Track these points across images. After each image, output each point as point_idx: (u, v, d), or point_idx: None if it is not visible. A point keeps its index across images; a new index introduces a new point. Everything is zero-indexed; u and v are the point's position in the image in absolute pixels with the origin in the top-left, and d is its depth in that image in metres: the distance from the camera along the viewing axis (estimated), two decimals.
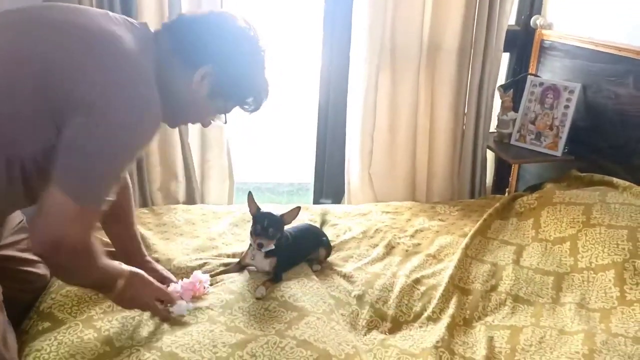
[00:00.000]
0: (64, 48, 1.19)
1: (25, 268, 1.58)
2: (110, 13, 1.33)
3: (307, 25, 2.85)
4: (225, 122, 1.50)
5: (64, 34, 1.22)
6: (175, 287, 1.60)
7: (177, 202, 2.44)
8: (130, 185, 1.69)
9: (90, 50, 1.21)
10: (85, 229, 1.21)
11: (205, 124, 1.50)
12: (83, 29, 1.24)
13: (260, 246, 1.68)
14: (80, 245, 1.21)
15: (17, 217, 1.57)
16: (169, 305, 1.53)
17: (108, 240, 1.69)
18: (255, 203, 1.73)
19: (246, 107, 1.44)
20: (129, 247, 1.68)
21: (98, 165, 1.19)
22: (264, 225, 1.68)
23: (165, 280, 1.63)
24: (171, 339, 1.43)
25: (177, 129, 2.31)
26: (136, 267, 1.49)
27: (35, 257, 1.57)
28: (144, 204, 2.36)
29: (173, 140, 2.35)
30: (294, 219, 1.74)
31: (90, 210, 1.20)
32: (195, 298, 1.61)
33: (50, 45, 1.20)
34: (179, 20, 1.37)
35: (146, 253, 1.73)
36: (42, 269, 1.63)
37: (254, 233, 1.70)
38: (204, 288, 1.64)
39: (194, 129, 2.38)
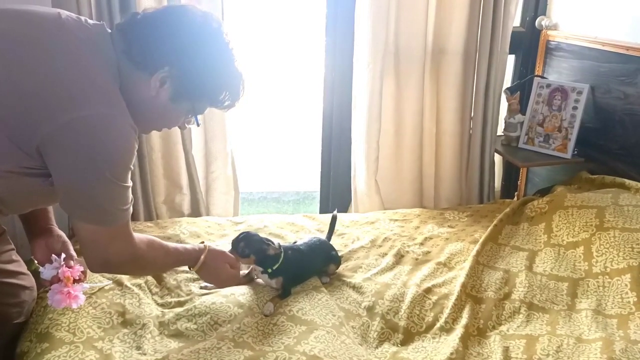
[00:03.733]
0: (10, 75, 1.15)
1: (8, 280, 1.52)
2: (63, 14, 1.25)
3: (309, 32, 2.82)
4: (198, 125, 1.40)
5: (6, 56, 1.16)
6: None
7: (182, 215, 2.41)
8: None
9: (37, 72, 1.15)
10: (124, 242, 1.30)
11: (181, 128, 1.43)
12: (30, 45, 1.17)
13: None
14: (127, 256, 1.32)
15: None
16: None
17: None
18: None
19: (220, 104, 1.35)
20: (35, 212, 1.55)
21: (97, 192, 1.21)
22: (238, 239, 1.67)
23: (65, 246, 1.51)
24: (177, 358, 1.39)
25: (180, 141, 2.29)
26: (39, 230, 1.50)
27: (18, 269, 1.54)
28: (149, 217, 2.33)
29: (177, 152, 2.32)
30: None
31: (117, 226, 1.27)
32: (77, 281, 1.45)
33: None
34: (130, 21, 1.27)
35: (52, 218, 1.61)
36: (26, 281, 1.57)
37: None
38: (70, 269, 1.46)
39: (197, 141, 2.35)
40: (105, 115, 1.17)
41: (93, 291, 1.58)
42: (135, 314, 1.55)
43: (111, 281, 1.64)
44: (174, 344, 1.46)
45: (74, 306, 1.43)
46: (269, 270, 1.67)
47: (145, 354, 1.41)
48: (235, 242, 1.66)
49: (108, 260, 1.30)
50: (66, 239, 1.54)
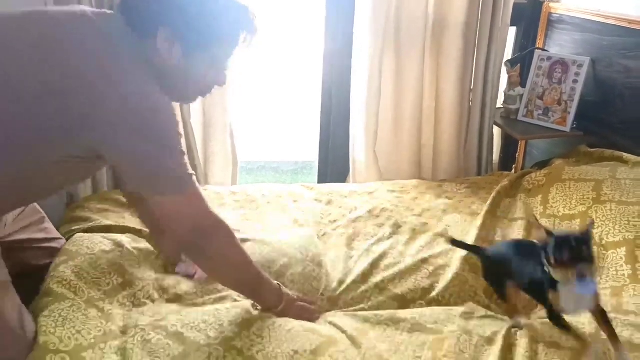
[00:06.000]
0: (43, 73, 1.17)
1: (50, 245, 1.64)
2: (88, 11, 1.27)
3: (310, 2, 2.79)
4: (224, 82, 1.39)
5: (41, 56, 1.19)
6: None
7: None
8: None
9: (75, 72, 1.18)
10: (203, 206, 1.31)
11: (219, 84, 1.40)
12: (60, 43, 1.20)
13: (582, 277, 1.25)
14: (212, 220, 1.33)
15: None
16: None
17: None
18: (541, 226, 1.36)
19: (237, 42, 1.32)
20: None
21: (162, 160, 1.23)
22: (572, 246, 1.25)
23: None
24: (176, 318, 1.40)
25: (178, 111, 2.28)
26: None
27: (56, 235, 1.67)
28: None
29: None
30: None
31: (189, 190, 1.28)
32: None
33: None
34: None
35: None
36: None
37: (560, 261, 1.28)
38: None
39: (196, 110, 2.34)
40: (144, 90, 1.20)
41: None
42: (135, 277, 1.56)
43: None
44: (173, 307, 1.48)
45: None
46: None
47: (143, 314, 1.43)
48: (573, 251, 1.26)
49: (197, 224, 1.30)
50: None
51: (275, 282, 1.53)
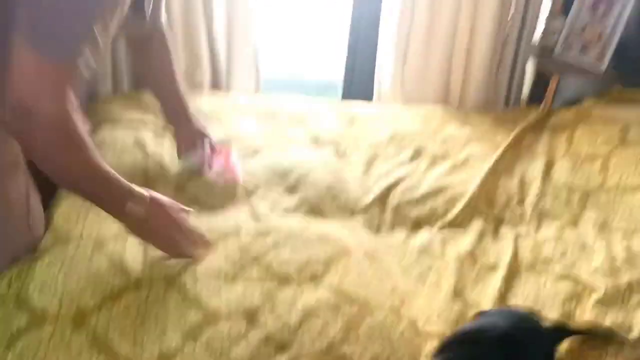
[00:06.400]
0: None
1: None
2: None
3: None
4: None
5: None
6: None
7: (202, 90, 2.39)
8: (168, 37, 1.64)
9: None
10: (59, 90, 1.04)
11: None
12: None
13: None
14: (55, 111, 1.04)
15: None
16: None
17: None
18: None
19: None
20: (172, 103, 1.63)
21: (64, 17, 1.02)
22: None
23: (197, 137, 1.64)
24: (196, 220, 1.43)
25: (202, 15, 2.23)
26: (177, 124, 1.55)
27: None
28: None
29: (198, 27, 2.27)
30: None
31: (62, 67, 1.04)
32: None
33: None
34: None
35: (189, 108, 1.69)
36: None
37: None
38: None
39: (219, 16, 2.29)
40: None
41: None
42: (158, 182, 1.61)
43: None
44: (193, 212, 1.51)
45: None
46: None
47: None
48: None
49: (34, 101, 1.02)
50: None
51: (141, 189, 1.24)
